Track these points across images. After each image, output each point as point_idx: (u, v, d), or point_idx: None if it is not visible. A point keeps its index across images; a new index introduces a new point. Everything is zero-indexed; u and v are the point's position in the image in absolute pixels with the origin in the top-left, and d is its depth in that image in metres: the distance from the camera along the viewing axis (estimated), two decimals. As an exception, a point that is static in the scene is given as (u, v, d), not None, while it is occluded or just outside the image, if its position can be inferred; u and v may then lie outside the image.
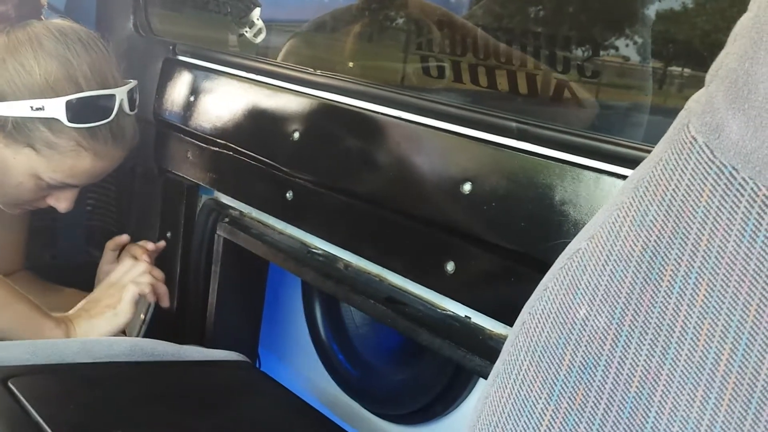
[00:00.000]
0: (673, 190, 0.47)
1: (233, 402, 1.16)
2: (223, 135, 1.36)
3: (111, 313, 1.25)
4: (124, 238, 1.41)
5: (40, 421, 0.96)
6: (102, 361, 1.16)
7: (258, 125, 1.30)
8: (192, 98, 1.43)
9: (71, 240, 1.68)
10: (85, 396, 1.06)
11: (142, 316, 1.28)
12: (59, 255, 1.68)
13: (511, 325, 0.55)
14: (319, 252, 1.23)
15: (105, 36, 1.61)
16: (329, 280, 1.19)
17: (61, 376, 1.09)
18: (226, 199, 1.43)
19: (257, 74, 1.33)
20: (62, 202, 1.37)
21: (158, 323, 1.55)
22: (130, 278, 1.28)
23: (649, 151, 0.52)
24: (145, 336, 1.30)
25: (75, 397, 1.05)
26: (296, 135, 1.20)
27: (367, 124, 1.10)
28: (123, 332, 1.29)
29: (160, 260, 1.55)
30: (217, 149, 1.38)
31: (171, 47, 1.51)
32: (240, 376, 1.27)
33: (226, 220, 1.41)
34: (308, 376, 1.52)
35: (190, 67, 1.46)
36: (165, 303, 1.30)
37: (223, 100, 1.39)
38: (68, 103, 1.23)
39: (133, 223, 1.63)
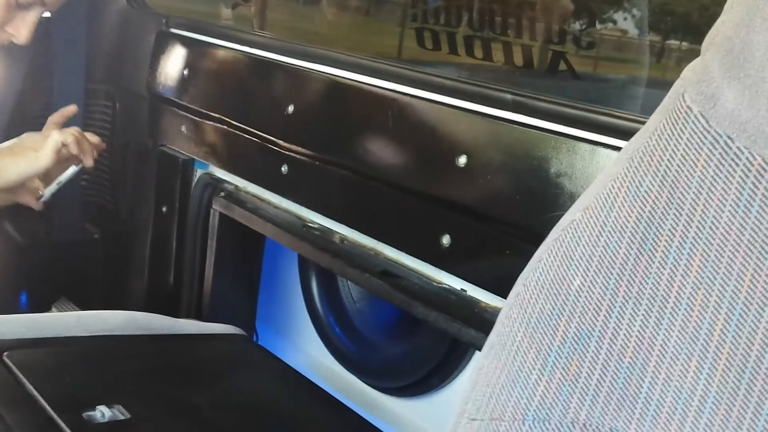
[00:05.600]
0: (668, 160, 0.46)
1: (230, 375, 1.16)
2: (218, 109, 1.35)
3: (32, 155, 1.27)
4: (72, 108, 1.41)
5: (36, 394, 0.96)
6: (97, 335, 1.16)
7: (252, 99, 1.29)
8: (186, 72, 1.42)
9: (66, 216, 1.67)
10: (80, 369, 1.07)
11: (60, 177, 1.29)
12: (54, 232, 1.67)
13: (506, 297, 0.55)
14: (315, 226, 1.23)
15: (97, 9, 1.60)
16: (325, 254, 1.19)
17: (57, 349, 1.10)
18: (221, 173, 1.42)
19: (251, 47, 1.32)
20: (22, 29, 1.39)
21: (154, 297, 1.55)
22: (58, 132, 1.29)
23: (644, 123, 0.51)
24: (139, 308, 1.30)
25: (70, 370, 1.05)
26: (291, 108, 1.20)
27: (362, 97, 1.10)
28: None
29: (156, 235, 1.54)
30: (211, 123, 1.37)
31: (164, 20, 1.50)
32: (237, 350, 1.27)
33: (222, 194, 1.41)
34: (305, 350, 1.53)
35: (184, 40, 1.45)
36: (88, 162, 1.31)
37: (217, 74, 1.38)
38: None
39: (128, 199, 1.63)
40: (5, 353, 1.04)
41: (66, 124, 1.40)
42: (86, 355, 1.11)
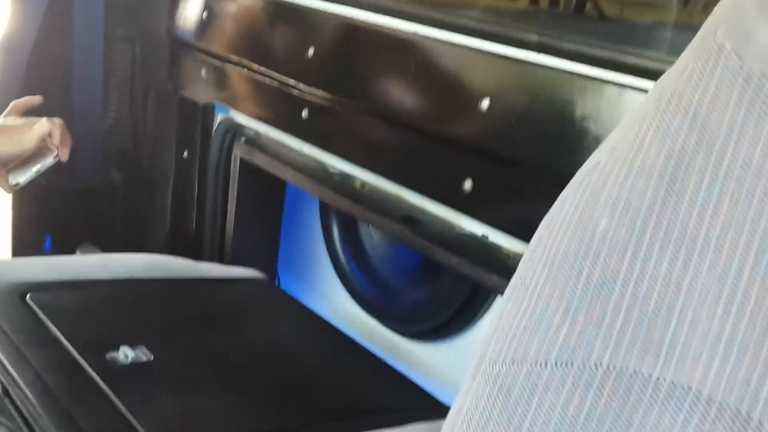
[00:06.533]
0: (699, 98, 0.45)
1: (253, 318, 1.17)
2: (238, 52, 1.34)
3: (18, 137, 1.26)
4: (38, 99, 1.39)
5: (59, 335, 0.97)
6: (120, 278, 1.17)
7: (273, 42, 1.28)
8: (205, 15, 1.40)
9: (88, 163, 1.68)
10: (103, 311, 1.08)
11: (38, 166, 1.29)
12: (76, 176, 1.68)
13: (528, 242, 0.54)
14: (336, 171, 1.22)
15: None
16: (346, 199, 1.18)
17: (79, 292, 1.11)
18: (242, 119, 1.41)
19: (271, -11, 1.30)
20: None
21: (177, 241, 1.56)
22: (47, 120, 1.29)
23: (672, 64, 0.50)
24: (162, 253, 1.30)
25: (93, 312, 1.06)
26: (311, 52, 1.18)
27: (384, 39, 1.08)
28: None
29: (178, 180, 1.55)
30: (231, 67, 1.36)
31: (183, -38, 1.48)
32: (259, 293, 1.28)
33: (243, 139, 1.40)
34: (327, 295, 1.53)
35: (203, -18, 1.43)
36: (65, 155, 1.28)
37: (237, 17, 1.36)
38: None
39: (149, 144, 1.62)
40: (28, 295, 1.05)
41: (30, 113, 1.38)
42: (109, 297, 1.12)
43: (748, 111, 0.43)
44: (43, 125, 1.26)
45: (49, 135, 1.26)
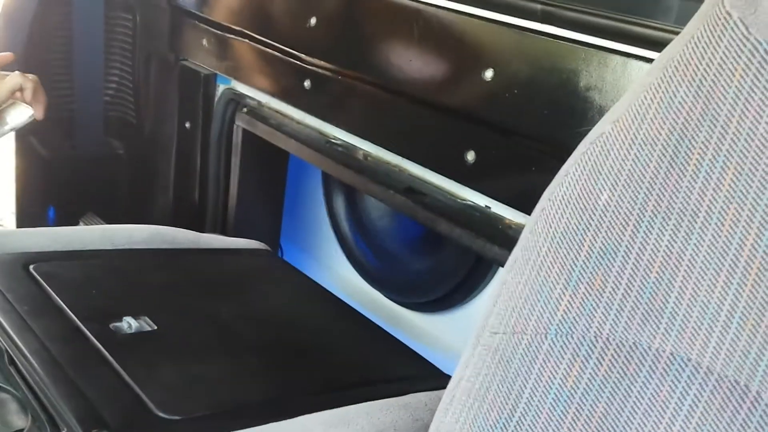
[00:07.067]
0: (705, 69, 0.44)
1: (255, 287, 1.17)
2: (240, 21, 1.33)
3: None
4: (9, 55, 1.38)
5: (63, 305, 0.98)
6: (123, 248, 1.17)
7: (275, 11, 1.27)
8: (206, -17, 1.39)
9: (90, 131, 1.68)
10: (106, 281, 1.08)
11: (12, 124, 1.26)
12: (78, 145, 1.68)
13: (530, 214, 0.54)
14: (339, 142, 1.22)
15: None
16: (348, 170, 1.18)
17: (82, 262, 1.11)
18: (244, 89, 1.41)
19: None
20: None
21: (180, 212, 1.56)
22: (19, 74, 1.27)
23: (679, 33, 0.49)
24: (165, 224, 1.30)
25: (97, 282, 1.06)
26: (313, 21, 1.17)
27: (386, 8, 1.07)
28: None
29: (180, 150, 1.54)
30: (232, 36, 1.35)
31: (184, -71, 1.46)
32: (262, 264, 1.28)
33: (245, 110, 1.39)
34: (330, 267, 1.54)
35: (205, -50, 1.42)
36: (39, 113, 1.27)
37: (239, -15, 1.35)
38: None
39: (151, 114, 1.62)
40: (32, 265, 1.05)
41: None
42: (112, 267, 1.12)
43: (755, 81, 0.42)
44: (14, 78, 1.24)
45: (21, 90, 1.24)
